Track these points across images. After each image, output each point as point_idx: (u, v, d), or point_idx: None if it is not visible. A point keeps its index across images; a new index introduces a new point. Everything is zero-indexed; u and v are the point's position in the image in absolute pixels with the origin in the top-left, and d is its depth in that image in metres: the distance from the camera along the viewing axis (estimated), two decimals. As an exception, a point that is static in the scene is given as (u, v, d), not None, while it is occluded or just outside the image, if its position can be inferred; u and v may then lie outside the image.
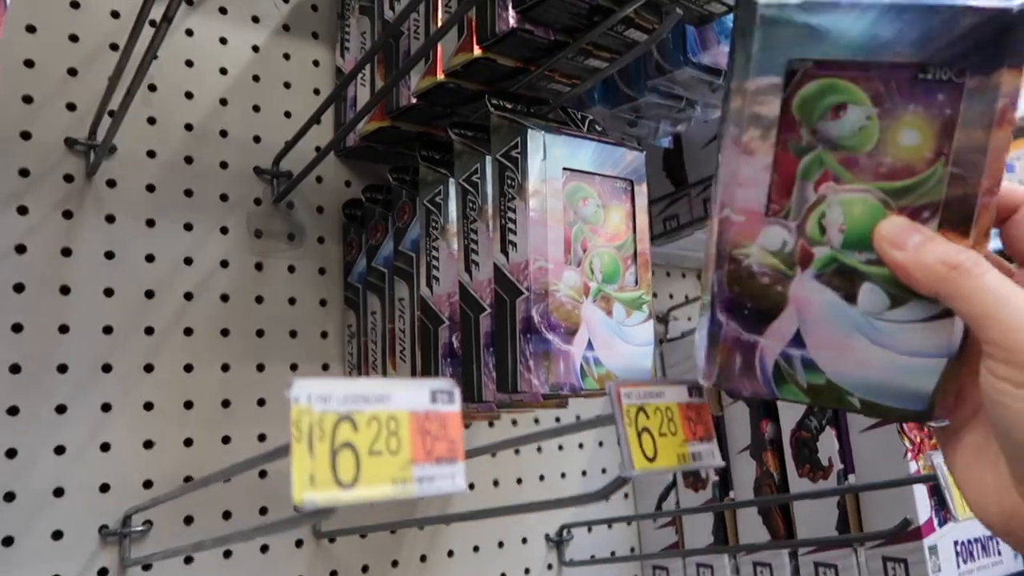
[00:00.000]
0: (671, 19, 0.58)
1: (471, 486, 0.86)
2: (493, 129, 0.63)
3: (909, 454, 0.73)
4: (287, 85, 0.83)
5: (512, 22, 0.61)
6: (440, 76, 0.69)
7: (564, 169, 0.60)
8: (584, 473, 0.95)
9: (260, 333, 0.76)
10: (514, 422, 0.91)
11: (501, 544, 0.87)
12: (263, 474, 0.74)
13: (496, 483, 0.88)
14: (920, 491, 0.72)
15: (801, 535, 0.80)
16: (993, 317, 0.32)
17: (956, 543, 0.73)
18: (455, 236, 0.66)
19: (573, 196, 0.60)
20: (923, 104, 0.35)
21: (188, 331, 0.72)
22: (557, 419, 0.93)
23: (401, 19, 0.64)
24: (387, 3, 0.77)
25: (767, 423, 0.85)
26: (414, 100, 0.72)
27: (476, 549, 0.85)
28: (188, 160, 0.75)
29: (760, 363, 0.39)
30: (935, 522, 0.72)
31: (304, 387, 0.29)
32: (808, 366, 0.38)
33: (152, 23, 0.53)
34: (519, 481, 0.90)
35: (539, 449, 0.92)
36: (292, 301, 0.79)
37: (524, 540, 0.89)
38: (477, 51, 0.65)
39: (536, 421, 0.93)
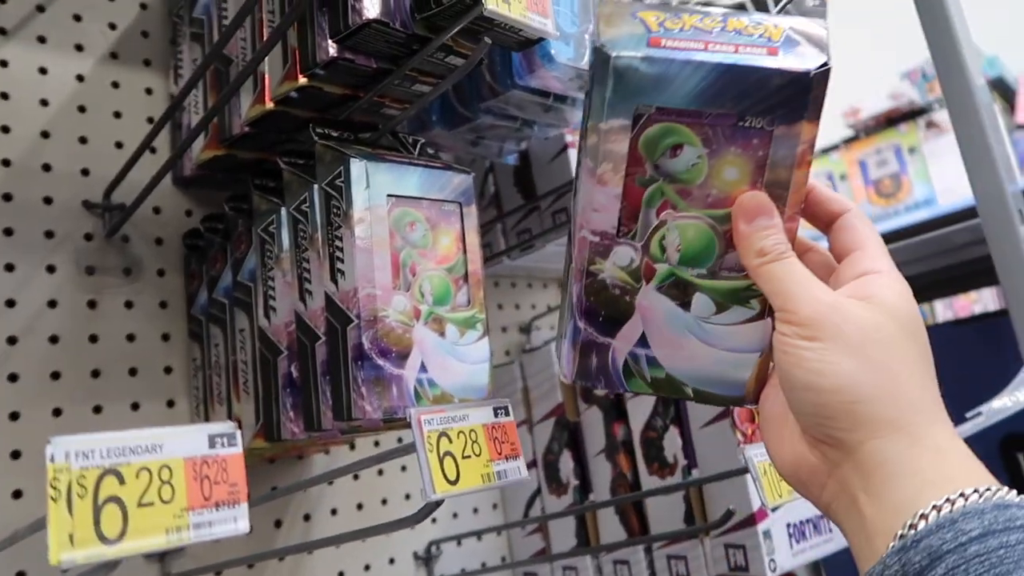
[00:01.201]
0: (481, 46, 0.60)
1: (333, 511, 0.86)
2: (318, 158, 0.63)
3: (742, 445, 0.78)
4: (117, 115, 0.81)
5: (332, 52, 0.62)
6: (269, 104, 0.68)
7: (389, 196, 0.61)
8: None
9: (96, 374, 0.73)
10: (376, 443, 0.91)
11: (368, 567, 0.87)
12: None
13: (360, 506, 0.88)
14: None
15: (655, 531, 0.84)
16: (784, 292, 0.40)
17: (789, 525, 0.79)
18: (289, 265, 0.66)
19: (400, 222, 0.61)
20: (742, 147, 0.42)
21: (12, 377, 0.69)
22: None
23: (222, 43, 0.64)
24: (217, 30, 0.76)
25: (619, 425, 0.89)
26: (246, 128, 0.72)
27: (341, 575, 0.85)
28: (7, 197, 0.72)
29: (612, 362, 0.46)
30: (768, 508, 0.77)
31: (62, 444, 0.29)
32: (651, 362, 0.45)
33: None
34: (384, 502, 0.90)
35: (403, 468, 0.92)
36: (131, 338, 0.76)
37: (392, 560, 0.89)
38: (302, 80, 0.65)
39: (399, 440, 0.93)
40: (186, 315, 0.80)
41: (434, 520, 0.92)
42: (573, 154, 0.98)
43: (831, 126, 3.21)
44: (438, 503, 0.41)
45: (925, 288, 1.36)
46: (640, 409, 0.86)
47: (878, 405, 0.37)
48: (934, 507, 0.33)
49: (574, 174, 0.49)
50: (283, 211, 0.67)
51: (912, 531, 0.33)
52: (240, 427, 0.71)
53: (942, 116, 3.03)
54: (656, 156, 0.43)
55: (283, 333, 0.66)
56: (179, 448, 0.31)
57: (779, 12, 0.71)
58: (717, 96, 0.41)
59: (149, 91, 0.84)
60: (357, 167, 0.60)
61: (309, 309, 0.64)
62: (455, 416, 0.40)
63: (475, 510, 0.97)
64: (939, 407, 0.38)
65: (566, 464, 0.92)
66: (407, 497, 0.92)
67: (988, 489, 0.34)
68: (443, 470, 0.39)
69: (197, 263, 0.80)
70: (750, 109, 0.41)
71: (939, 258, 1.29)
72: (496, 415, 0.43)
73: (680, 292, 0.45)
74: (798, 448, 0.41)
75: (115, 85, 0.81)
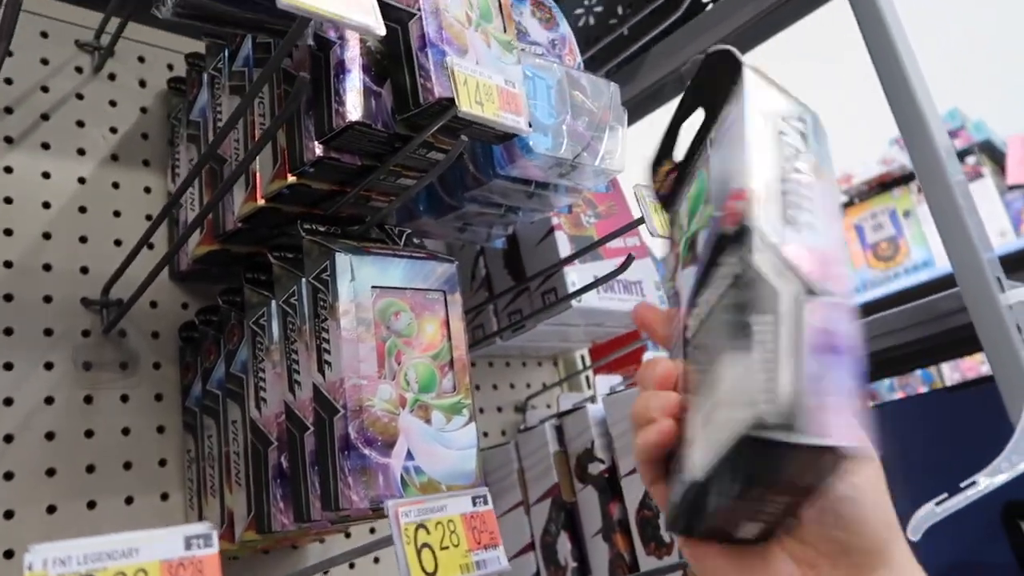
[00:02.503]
0: (459, 144, 0.63)
1: (329, 602, 0.85)
2: (306, 252, 0.65)
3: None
4: (117, 214, 0.84)
5: (319, 151, 0.65)
6: (260, 201, 0.71)
7: (374, 287, 0.63)
8: None
9: (91, 469, 0.74)
10: (372, 530, 0.91)
11: (364, 659, 0.86)
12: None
13: (356, 595, 0.87)
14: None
15: (655, 613, 0.83)
16: None
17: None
18: (279, 356, 0.68)
19: (385, 312, 0.63)
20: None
21: (8, 475, 0.70)
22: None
23: (216, 144, 0.67)
24: (212, 131, 0.80)
25: (615, 505, 0.88)
26: (239, 224, 0.74)
27: (337, 668, 0.83)
28: (7, 298, 0.74)
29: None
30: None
31: (41, 552, 0.30)
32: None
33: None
34: (381, 590, 0.89)
35: (352, 566, 0.91)
36: (126, 431, 0.77)
37: (389, 651, 0.87)
38: (291, 178, 0.68)
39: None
40: (181, 407, 0.81)
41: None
42: (560, 236, 1.00)
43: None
44: (417, 596, 0.41)
45: (922, 354, 1.37)
46: (635, 488, 0.86)
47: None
48: None
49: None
50: (273, 304, 0.69)
51: None
52: (233, 519, 0.71)
53: (934, 180, 3.08)
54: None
55: (273, 424, 0.67)
56: (155, 551, 0.32)
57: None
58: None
59: (148, 190, 0.87)
60: (342, 260, 0.62)
61: (298, 399, 0.65)
62: (433, 507, 0.41)
63: (473, 596, 0.96)
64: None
65: (564, 546, 0.91)
66: None
67: None
68: (420, 562, 0.39)
69: (192, 355, 0.81)
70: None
71: (932, 324, 1.29)
72: (475, 504, 0.44)
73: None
74: None
75: (115, 185, 0.85)
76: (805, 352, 0.29)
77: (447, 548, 0.41)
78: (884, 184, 3.25)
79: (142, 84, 0.90)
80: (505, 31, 0.70)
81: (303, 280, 0.66)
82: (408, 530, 0.40)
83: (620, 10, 1.22)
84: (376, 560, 0.90)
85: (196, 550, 0.33)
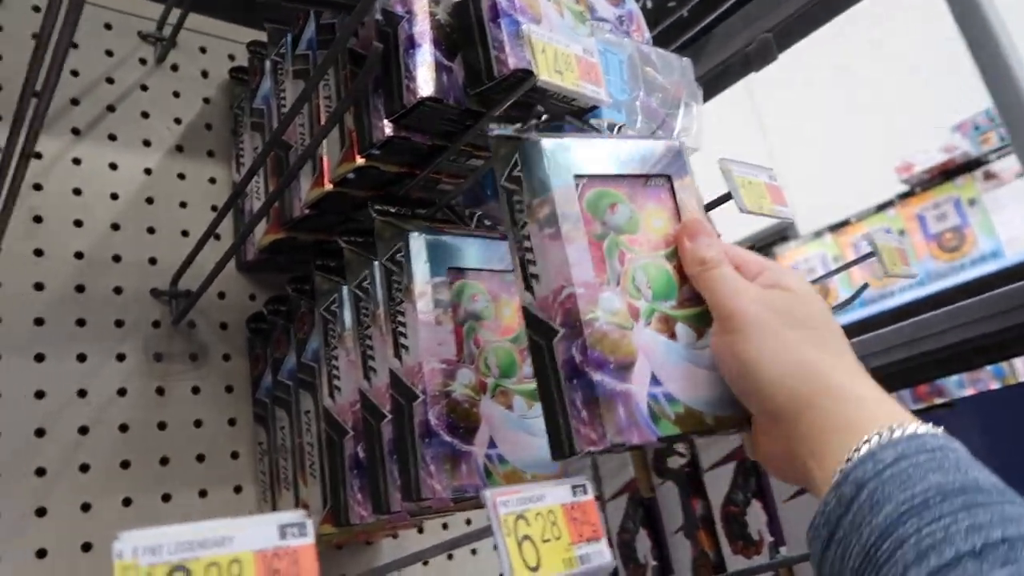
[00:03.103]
0: (534, 112, 0.60)
1: (402, 598, 0.83)
2: (378, 235, 0.63)
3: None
4: (183, 204, 0.83)
5: (388, 131, 0.63)
6: (328, 186, 0.69)
7: (450, 268, 0.60)
8: None
9: (164, 461, 0.73)
10: (444, 526, 0.88)
11: (439, 657, 0.83)
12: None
13: (429, 592, 0.85)
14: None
15: (743, 612, 0.79)
16: (715, 292, 0.47)
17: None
18: (352, 343, 0.65)
19: (462, 294, 0.60)
20: (655, 200, 0.53)
21: (84, 467, 0.69)
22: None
23: (281, 129, 0.65)
24: (276, 118, 0.79)
25: (697, 501, 0.84)
26: (306, 211, 0.72)
27: (412, 666, 0.81)
28: (79, 289, 0.74)
29: (636, 409, 0.45)
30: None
31: (130, 540, 0.27)
32: (670, 399, 0.46)
33: (31, 156, 0.53)
34: (454, 587, 0.87)
35: (473, 551, 0.89)
36: (198, 423, 0.76)
37: (463, 650, 0.85)
38: (359, 160, 0.66)
39: (468, 522, 0.90)
40: (251, 399, 0.80)
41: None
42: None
43: (884, 182, 3.14)
44: (517, 592, 0.38)
45: (994, 348, 1.29)
46: (718, 483, 0.82)
47: (798, 378, 0.42)
48: (857, 448, 0.38)
49: (519, 256, 0.50)
50: (344, 290, 0.67)
51: (843, 470, 0.38)
52: (308, 512, 0.69)
53: (1001, 166, 2.95)
54: (601, 214, 0.50)
55: (348, 413, 0.65)
56: (249, 541, 0.30)
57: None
58: (627, 162, 0.53)
59: (213, 180, 0.86)
60: (416, 241, 0.60)
61: (374, 387, 0.63)
62: (531, 496, 0.38)
63: (548, 594, 0.93)
64: (854, 363, 0.44)
65: (643, 543, 0.87)
66: None
67: (901, 424, 0.39)
68: (523, 556, 0.37)
69: (261, 346, 0.80)
70: (652, 170, 0.53)
71: (1004, 317, 1.22)
72: (575, 494, 0.41)
73: (665, 325, 0.48)
74: (775, 447, 0.44)
75: (181, 176, 0.84)
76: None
77: (548, 541, 0.38)
78: (947, 172, 3.12)
79: (204, 75, 0.89)
80: (577, 2, 0.67)
81: (375, 263, 0.63)
82: (508, 521, 0.37)
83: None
84: (450, 556, 0.87)
85: (291, 539, 0.31)
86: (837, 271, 0.76)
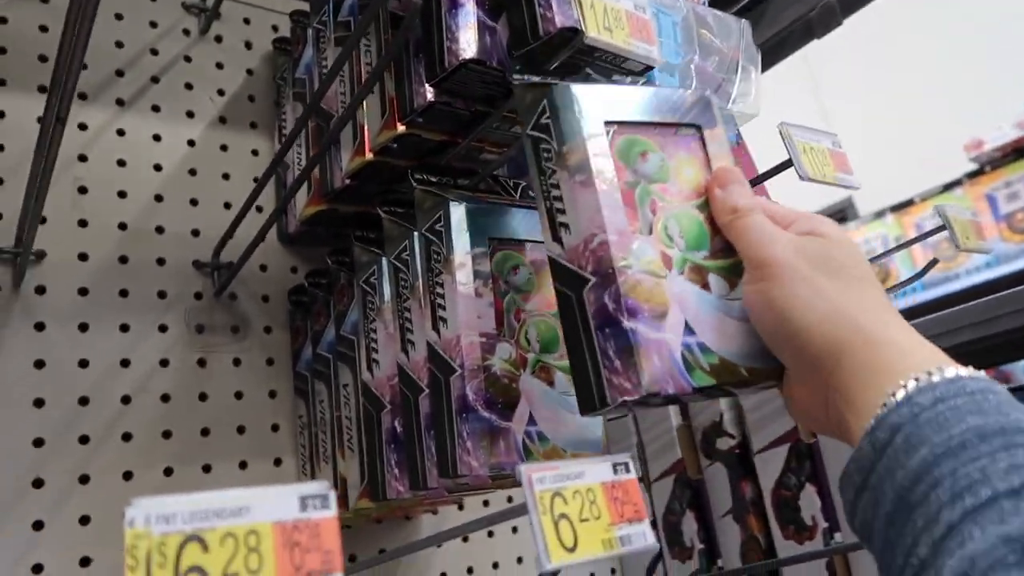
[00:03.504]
0: (583, 78, 0.57)
1: (443, 575, 0.81)
2: (417, 204, 0.61)
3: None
4: (226, 176, 0.82)
5: (429, 96, 0.60)
6: (369, 155, 0.68)
7: (490, 239, 0.58)
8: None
9: (205, 432, 0.73)
10: (486, 503, 0.87)
11: (479, 636, 0.82)
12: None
13: (471, 570, 0.84)
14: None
15: (794, 602, 0.75)
16: (747, 241, 0.46)
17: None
18: (391, 316, 0.64)
19: (503, 266, 0.58)
20: (685, 149, 0.51)
21: (126, 436, 0.69)
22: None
23: (319, 95, 0.63)
24: (318, 86, 0.77)
25: (747, 483, 0.81)
26: (347, 181, 0.71)
27: (452, 644, 0.80)
28: (123, 260, 0.74)
29: (671, 358, 0.43)
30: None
31: (143, 507, 0.26)
32: (704, 350, 0.44)
33: (78, 126, 0.52)
34: (495, 566, 0.85)
35: (515, 529, 0.87)
36: (239, 395, 0.76)
37: (504, 630, 0.84)
38: (400, 128, 0.64)
39: (510, 500, 0.89)
40: (292, 372, 0.79)
41: (547, 586, 0.86)
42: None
43: (952, 160, 3.00)
44: (554, 573, 0.36)
45: None
46: (770, 465, 0.78)
47: (832, 324, 0.41)
48: (892, 393, 0.37)
49: (546, 206, 0.49)
50: (384, 261, 0.66)
51: (879, 416, 0.37)
52: (346, 486, 0.68)
53: (1079, 143, 2.80)
54: (632, 162, 0.49)
55: (386, 386, 0.64)
56: (267, 512, 0.28)
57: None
58: (657, 110, 0.51)
59: (255, 152, 0.85)
60: (457, 210, 0.58)
61: (411, 360, 0.61)
62: (570, 473, 0.36)
63: (591, 575, 0.91)
64: (889, 308, 0.42)
65: (689, 526, 0.85)
66: (519, 561, 0.87)
67: (940, 368, 0.37)
68: (559, 535, 0.34)
69: (302, 319, 0.79)
70: (683, 118, 0.52)
71: None
72: (615, 472, 0.38)
73: (698, 275, 0.47)
74: (809, 397, 0.43)
75: (223, 148, 0.83)
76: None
77: (587, 520, 0.36)
78: (1020, 150, 2.96)
79: (247, 46, 0.88)
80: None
81: (415, 234, 0.62)
82: (544, 498, 0.35)
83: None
84: (490, 534, 0.86)
85: (312, 512, 0.29)
86: (906, 245, 0.71)
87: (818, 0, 1.10)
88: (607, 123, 0.49)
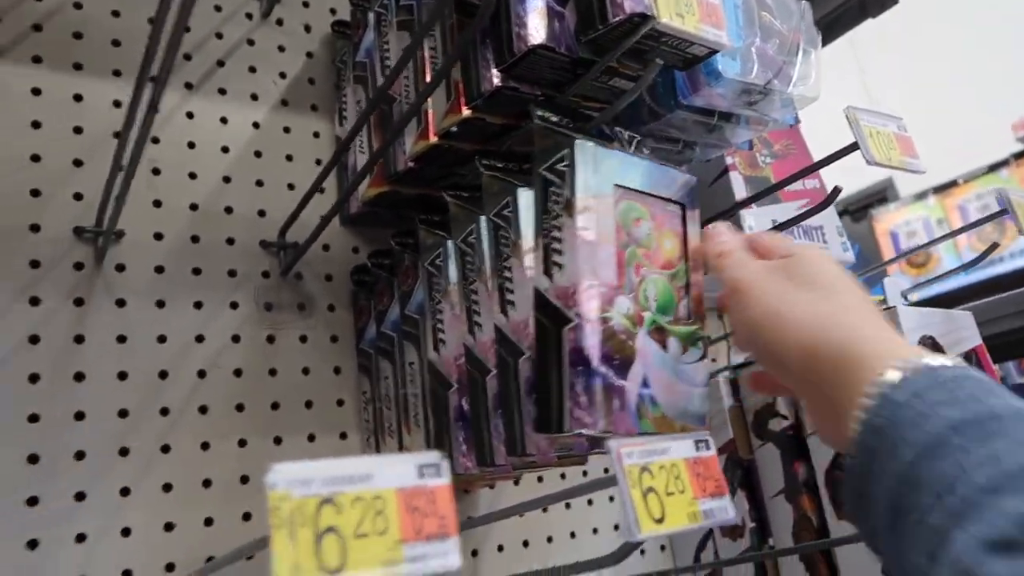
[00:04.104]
0: (653, 67, 0.58)
1: (500, 547, 0.84)
2: (485, 188, 0.63)
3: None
4: (289, 158, 0.85)
5: (496, 81, 0.62)
6: (432, 139, 0.69)
7: (616, 185, 0.56)
8: (616, 527, 0.93)
9: (275, 406, 0.76)
10: (540, 479, 0.89)
11: (533, 607, 0.85)
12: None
13: (526, 543, 0.86)
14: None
15: (846, 580, 0.77)
16: (731, 272, 0.50)
17: None
18: (458, 298, 0.66)
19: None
20: (669, 223, 0.58)
21: (203, 409, 0.72)
22: (584, 472, 0.91)
23: (387, 85, 0.65)
24: (379, 71, 0.79)
25: (800, 464, 0.82)
26: (410, 164, 0.73)
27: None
28: (195, 239, 0.76)
29: (627, 403, 0.50)
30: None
31: (282, 473, 0.28)
32: (652, 402, 0.51)
33: (151, 108, 0.54)
34: (549, 540, 0.88)
35: (568, 505, 0.90)
36: (306, 371, 0.79)
37: (557, 601, 0.86)
38: (466, 112, 0.65)
39: (562, 476, 0.91)
40: (355, 349, 0.82)
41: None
42: (735, 176, 0.93)
43: (997, 140, 2.94)
44: (635, 544, 0.38)
45: None
46: (824, 447, 0.79)
47: (806, 331, 0.42)
48: (869, 394, 0.38)
49: (543, 241, 0.55)
50: (449, 244, 0.67)
51: (862, 421, 0.38)
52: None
53: None
54: (628, 225, 0.55)
55: (452, 366, 0.66)
56: (389, 479, 0.30)
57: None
58: (654, 184, 0.58)
59: (316, 135, 0.87)
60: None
61: (479, 341, 0.63)
62: (656, 449, 0.37)
63: (642, 552, 0.93)
64: (867, 310, 0.43)
65: (741, 505, 0.86)
66: (595, 531, 0.90)
67: (913, 360, 0.38)
68: (647, 508, 0.36)
69: (365, 298, 0.81)
70: (672, 196, 0.59)
71: None
72: (697, 448, 0.40)
73: (660, 336, 0.54)
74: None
75: (286, 130, 0.85)
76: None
77: (672, 494, 0.37)
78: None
79: (307, 29, 0.90)
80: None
81: (482, 218, 0.63)
82: (632, 472, 0.36)
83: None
84: (568, 506, 0.88)
85: (428, 479, 0.31)
86: (964, 230, 0.71)
87: (873, -21, 1.09)
88: (616, 186, 0.55)
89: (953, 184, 3.11)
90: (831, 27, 1.17)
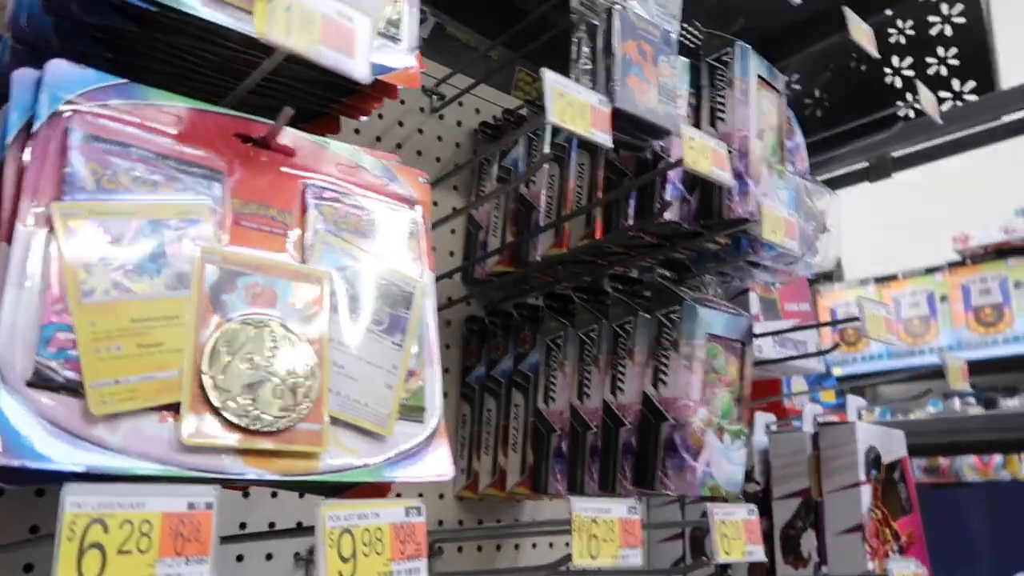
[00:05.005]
0: (745, 270, 0.86)
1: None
2: (612, 303, 0.90)
3: (867, 556, 1.00)
4: (432, 226, 1.10)
5: (631, 232, 0.89)
6: (565, 250, 0.96)
7: (708, 334, 0.85)
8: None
9: (402, 416, 1.01)
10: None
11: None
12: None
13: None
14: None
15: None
16: None
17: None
18: (571, 371, 0.93)
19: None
20: (734, 356, 0.90)
21: (357, 412, 0.97)
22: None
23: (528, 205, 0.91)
24: (521, 179, 1.05)
25: (762, 519, 1.12)
26: (538, 258, 0.99)
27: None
28: (366, 282, 1.01)
29: (696, 477, 0.83)
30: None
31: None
32: (709, 476, 0.84)
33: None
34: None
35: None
36: (425, 392, 1.04)
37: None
38: (598, 237, 0.92)
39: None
40: (460, 381, 1.08)
41: None
42: (753, 296, 1.23)
43: (938, 247, 3.36)
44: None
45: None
46: (784, 511, 1.10)
47: None
48: None
49: (652, 363, 0.83)
50: (569, 330, 0.94)
51: None
52: (504, 475, 0.97)
53: (1056, 260, 3.15)
54: (712, 359, 0.86)
55: (557, 417, 0.93)
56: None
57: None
58: (728, 330, 0.88)
59: (454, 209, 1.12)
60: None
61: (584, 406, 0.90)
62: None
63: None
64: None
65: (808, 541, 1.14)
66: None
67: None
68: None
69: (476, 344, 1.07)
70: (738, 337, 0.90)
71: None
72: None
73: (719, 433, 0.85)
74: None
75: (435, 203, 1.10)
76: None
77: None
78: (1001, 251, 3.31)
79: (458, 124, 1.15)
80: (781, 161, 0.93)
81: (604, 323, 0.90)
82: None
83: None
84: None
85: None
86: (828, 325, 1.02)
87: (875, 153, 1.39)
88: (709, 334, 0.85)
89: (894, 277, 3.52)
90: (835, 183, 1.47)
